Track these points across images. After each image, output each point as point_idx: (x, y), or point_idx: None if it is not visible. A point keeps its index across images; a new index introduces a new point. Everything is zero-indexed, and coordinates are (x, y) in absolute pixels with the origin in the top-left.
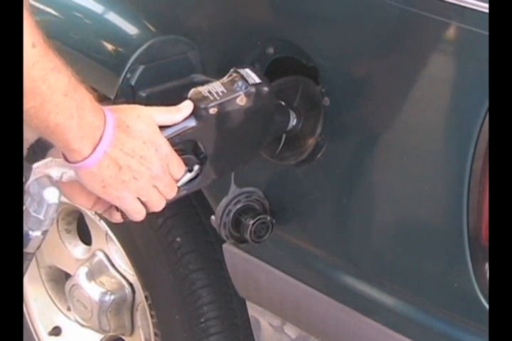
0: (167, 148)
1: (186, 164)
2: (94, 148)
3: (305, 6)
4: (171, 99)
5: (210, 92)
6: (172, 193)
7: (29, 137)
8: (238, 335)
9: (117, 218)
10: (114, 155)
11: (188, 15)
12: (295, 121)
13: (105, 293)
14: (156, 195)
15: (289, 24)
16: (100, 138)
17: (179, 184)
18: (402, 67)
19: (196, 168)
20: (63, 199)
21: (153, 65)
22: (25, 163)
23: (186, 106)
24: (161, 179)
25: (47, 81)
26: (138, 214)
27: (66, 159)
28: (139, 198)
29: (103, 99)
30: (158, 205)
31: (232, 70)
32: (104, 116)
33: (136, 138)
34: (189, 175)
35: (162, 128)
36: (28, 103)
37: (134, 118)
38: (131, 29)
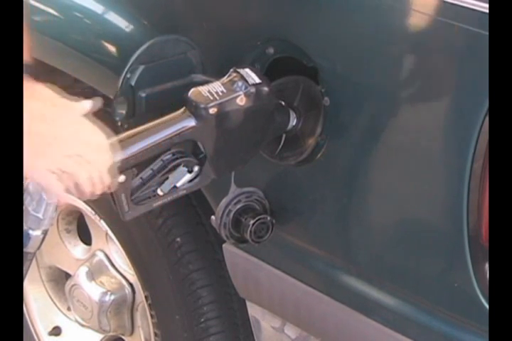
0: None
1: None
2: None
3: (305, 6)
4: (171, 99)
5: (210, 92)
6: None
7: None
8: (238, 335)
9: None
10: None
11: (188, 15)
12: (295, 121)
13: (105, 293)
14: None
15: (289, 24)
16: None
17: (179, 184)
18: (401, 67)
19: (196, 168)
20: None
21: (153, 65)
22: None
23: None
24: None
25: None
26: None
27: None
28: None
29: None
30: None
31: (232, 70)
32: None
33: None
34: (189, 176)
35: (162, 127)
36: None
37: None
38: (131, 29)
